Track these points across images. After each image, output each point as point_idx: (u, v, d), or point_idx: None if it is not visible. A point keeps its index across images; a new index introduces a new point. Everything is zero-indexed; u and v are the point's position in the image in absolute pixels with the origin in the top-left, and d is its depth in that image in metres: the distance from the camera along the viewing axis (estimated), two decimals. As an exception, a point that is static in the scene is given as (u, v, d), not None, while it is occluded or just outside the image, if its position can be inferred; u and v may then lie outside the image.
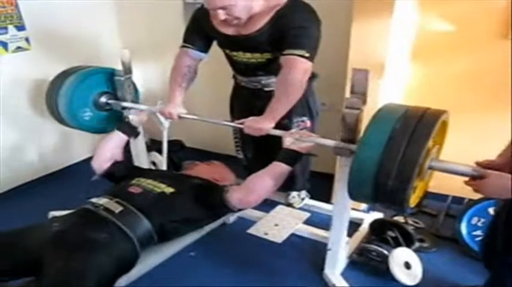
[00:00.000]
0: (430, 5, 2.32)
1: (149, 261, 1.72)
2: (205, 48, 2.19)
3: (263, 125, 1.89)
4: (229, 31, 2.01)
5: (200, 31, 2.14)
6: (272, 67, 2.00)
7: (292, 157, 1.79)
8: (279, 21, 1.90)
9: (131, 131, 2.18)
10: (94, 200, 1.73)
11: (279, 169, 1.76)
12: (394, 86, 2.45)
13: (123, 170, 2.05)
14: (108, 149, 2.07)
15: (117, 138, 2.12)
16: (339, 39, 2.34)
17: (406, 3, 2.22)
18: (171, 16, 3.18)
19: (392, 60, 2.26)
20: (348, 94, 2.27)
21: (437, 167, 1.51)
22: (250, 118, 1.94)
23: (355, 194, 1.55)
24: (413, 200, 1.53)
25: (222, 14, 1.84)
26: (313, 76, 2.11)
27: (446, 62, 2.41)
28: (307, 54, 1.83)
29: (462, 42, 2.34)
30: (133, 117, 2.24)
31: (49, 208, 2.56)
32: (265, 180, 1.76)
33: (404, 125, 1.41)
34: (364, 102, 1.65)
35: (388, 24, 2.13)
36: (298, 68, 1.84)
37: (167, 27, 3.23)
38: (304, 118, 2.22)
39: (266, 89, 2.17)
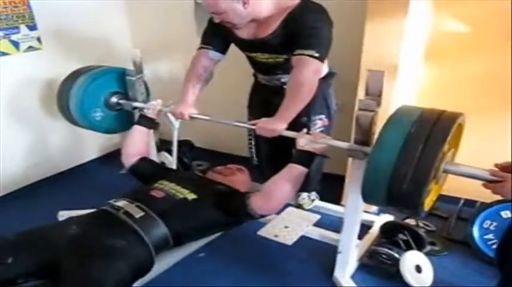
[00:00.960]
0: (444, 6, 2.30)
1: (161, 264, 1.73)
2: (223, 50, 2.20)
3: (276, 126, 1.88)
4: (244, 35, 2.04)
5: (218, 33, 2.14)
6: (290, 66, 2.00)
7: (307, 158, 1.78)
8: (291, 23, 1.91)
9: (149, 123, 2.21)
10: (113, 201, 1.73)
11: (296, 171, 1.76)
12: (406, 88, 2.44)
13: (149, 168, 2.09)
14: (132, 145, 2.14)
15: (138, 132, 2.17)
16: (351, 39, 2.33)
17: (421, 4, 2.20)
18: (182, 16, 3.18)
19: (405, 62, 2.25)
20: (360, 95, 2.28)
21: (452, 170, 1.49)
22: (263, 119, 1.94)
23: (369, 196, 1.53)
24: (427, 203, 1.52)
25: (216, 18, 1.90)
26: (331, 74, 2.14)
27: (460, 64, 2.39)
28: (316, 54, 1.83)
29: (476, 44, 2.31)
30: (147, 109, 2.24)
31: (58, 207, 2.57)
32: (285, 184, 1.76)
33: (420, 128, 1.39)
34: (379, 104, 1.64)
35: (402, 25, 2.11)
36: (308, 68, 1.84)
37: (178, 27, 3.25)
38: (322, 116, 2.22)
39: (286, 86, 2.15)
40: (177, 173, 2.20)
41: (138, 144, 2.15)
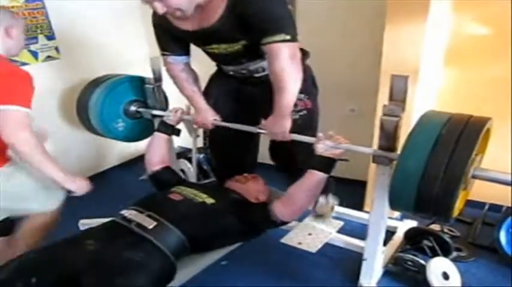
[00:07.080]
0: (464, 8, 2.25)
1: (184, 273, 1.70)
2: (183, 51, 2.05)
3: (283, 126, 1.81)
4: (188, 27, 1.84)
5: (168, 35, 1.98)
6: (254, 52, 1.84)
7: (327, 164, 1.74)
8: (239, 6, 1.67)
9: (170, 130, 2.17)
10: (124, 212, 1.69)
11: (317, 177, 1.72)
12: (427, 92, 2.40)
13: (170, 177, 2.05)
14: (154, 152, 2.10)
15: (158, 139, 2.13)
16: (370, 43, 2.30)
17: (441, 7, 2.16)
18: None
19: (426, 65, 2.21)
20: (380, 100, 2.25)
21: (481, 175, 1.45)
22: (267, 122, 1.86)
23: (396, 202, 1.50)
24: (456, 209, 1.48)
25: (160, 7, 1.64)
26: (303, 54, 1.89)
27: (481, 67, 2.34)
28: (288, 37, 1.65)
29: (497, 47, 2.26)
30: (169, 116, 2.21)
31: (80, 215, 2.57)
32: (307, 191, 1.74)
33: (450, 132, 1.37)
34: (403, 109, 1.61)
35: (422, 27, 2.07)
36: (284, 55, 1.67)
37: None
38: (302, 96, 1.96)
39: (256, 75, 2.02)
40: (195, 183, 2.16)
41: (160, 151, 2.11)
